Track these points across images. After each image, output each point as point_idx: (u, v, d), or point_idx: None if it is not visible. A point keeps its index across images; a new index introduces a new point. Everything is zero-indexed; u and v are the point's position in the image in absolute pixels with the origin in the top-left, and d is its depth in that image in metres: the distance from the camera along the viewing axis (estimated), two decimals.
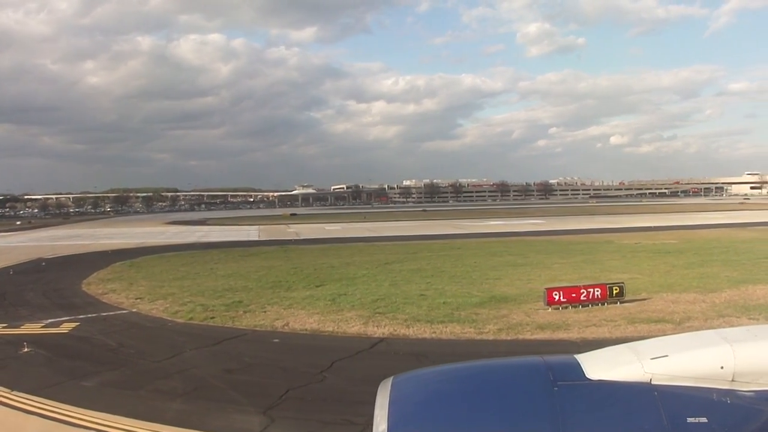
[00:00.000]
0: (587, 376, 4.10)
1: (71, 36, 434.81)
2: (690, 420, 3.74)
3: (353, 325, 19.00)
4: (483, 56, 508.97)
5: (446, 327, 18.42)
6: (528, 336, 17.32)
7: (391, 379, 4.37)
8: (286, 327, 19.20)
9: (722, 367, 3.88)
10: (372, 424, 3.84)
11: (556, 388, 3.98)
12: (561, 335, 17.33)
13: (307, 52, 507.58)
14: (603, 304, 21.23)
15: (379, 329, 18.41)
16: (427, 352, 15.74)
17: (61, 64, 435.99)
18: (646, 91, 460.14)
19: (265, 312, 21.57)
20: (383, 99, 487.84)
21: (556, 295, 20.89)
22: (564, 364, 4.33)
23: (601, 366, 4.18)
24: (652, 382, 3.95)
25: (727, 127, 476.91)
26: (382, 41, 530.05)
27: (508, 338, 17.22)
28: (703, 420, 3.74)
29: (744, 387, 3.86)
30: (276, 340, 17.61)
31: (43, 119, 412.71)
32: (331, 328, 18.75)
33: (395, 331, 18.16)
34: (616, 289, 21.64)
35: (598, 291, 21.44)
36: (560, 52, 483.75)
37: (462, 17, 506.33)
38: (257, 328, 19.16)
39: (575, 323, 18.63)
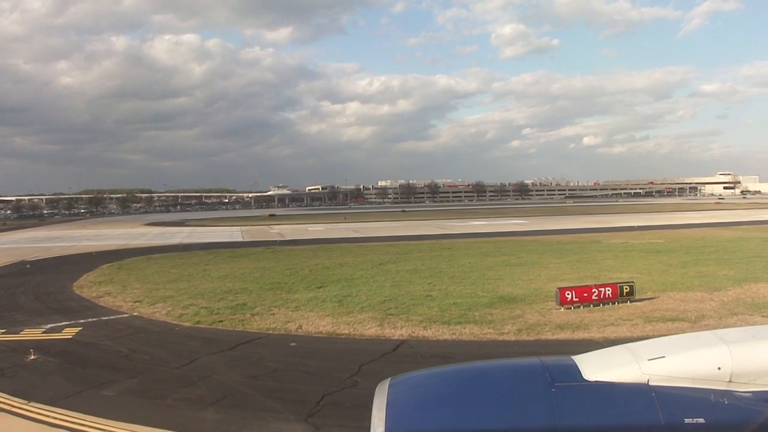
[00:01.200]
0: (584, 377, 4.14)
1: (45, 36, 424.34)
2: (687, 421, 3.78)
3: (369, 327, 18.60)
4: (457, 57, 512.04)
5: (464, 328, 18.16)
6: (549, 336, 17.16)
7: (388, 380, 4.39)
8: (299, 330, 18.71)
9: (719, 368, 3.94)
10: (369, 427, 3.83)
11: (553, 390, 4.01)
12: (582, 335, 17.21)
13: (282, 53, 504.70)
14: (614, 303, 21.25)
15: (396, 331, 18.06)
16: (452, 354, 15.41)
17: (34, 64, 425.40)
18: (619, 92, 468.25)
19: (273, 315, 21.04)
20: (358, 100, 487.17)
21: (568, 294, 20.81)
22: (561, 366, 4.38)
23: (598, 367, 4.22)
24: (650, 383, 4.00)
25: (699, 128, 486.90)
26: (357, 42, 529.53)
27: (530, 339, 17.02)
28: (701, 421, 3.77)
29: (741, 388, 3.90)
30: (293, 344, 17.08)
31: (15, 120, 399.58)
32: (347, 331, 18.32)
33: (414, 332, 17.83)
34: (626, 288, 21.68)
35: (609, 290, 21.44)
36: (534, 53, 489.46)
37: (437, 18, 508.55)
38: (270, 332, 18.62)
39: (593, 323, 18.55)
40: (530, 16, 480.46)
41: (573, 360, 4.40)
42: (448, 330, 17.96)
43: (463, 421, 3.88)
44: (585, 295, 21.02)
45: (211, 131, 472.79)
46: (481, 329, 17.96)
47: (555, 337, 17.09)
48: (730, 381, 3.91)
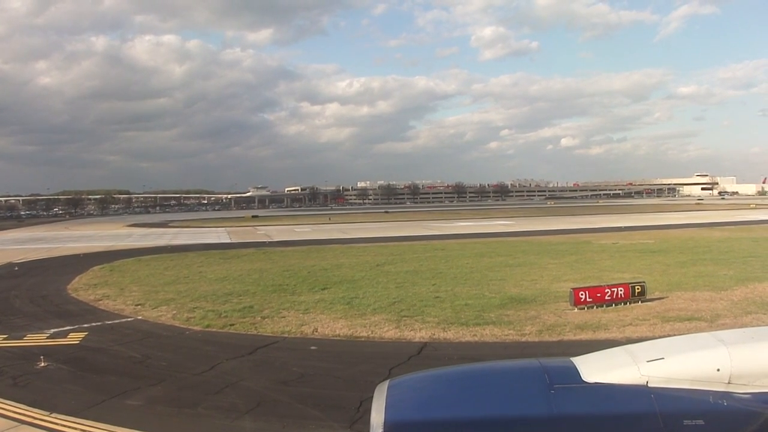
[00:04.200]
0: (583, 378, 4.14)
1: (24, 35, 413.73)
2: (686, 422, 3.76)
3: (387, 330, 18.24)
4: (437, 59, 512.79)
5: (484, 330, 17.92)
6: (572, 337, 17.00)
7: (387, 382, 4.35)
8: (315, 333, 18.27)
9: (718, 370, 3.92)
10: (369, 429, 3.76)
11: (552, 391, 4.00)
12: (604, 335, 17.08)
13: (262, 54, 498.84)
14: (626, 303, 21.23)
15: (416, 333, 17.74)
16: (479, 356, 15.05)
17: (13, 64, 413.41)
18: (597, 94, 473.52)
19: (284, 318, 20.55)
20: (337, 101, 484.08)
21: (582, 295, 20.73)
22: (560, 367, 4.39)
23: (597, 369, 4.21)
24: (649, 385, 3.99)
25: (676, 130, 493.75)
26: (338, 43, 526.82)
27: (553, 339, 16.85)
28: (700, 422, 3.76)
29: (740, 389, 3.88)
30: (314, 348, 16.64)
31: None
32: (365, 333, 17.94)
33: (434, 335, 17.52)
34: (638, 289, 21.69)
35: (621, 290, 21.42)
36: (514, 56, 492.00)
37: (417, 20, 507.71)
38: (286, 335, 18.14)
39: (610, 323, 18.47)
40: (510, 19, 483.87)
41: (572, 362, 4.38)
42: (469, 332, 17.69)
43: (462, 423, 3.87)
44: (598, 295, 20.97)
45: (190, 132, 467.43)
46: (502, 330, 17.74)
47: (577, 337, 16.92)
48: (729, 382, 3.89)
